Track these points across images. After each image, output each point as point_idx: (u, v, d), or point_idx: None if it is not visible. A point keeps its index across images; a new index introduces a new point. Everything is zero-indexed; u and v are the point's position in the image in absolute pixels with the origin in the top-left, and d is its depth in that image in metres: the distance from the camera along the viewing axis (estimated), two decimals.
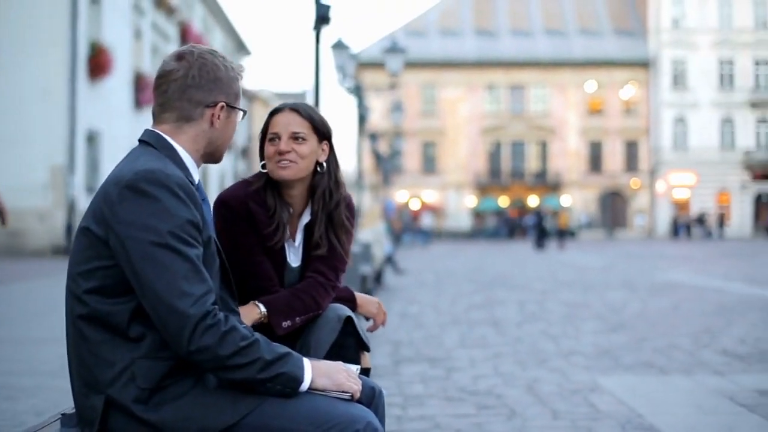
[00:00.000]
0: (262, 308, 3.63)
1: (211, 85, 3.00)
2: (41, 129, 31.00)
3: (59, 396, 7.40)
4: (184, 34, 46.73)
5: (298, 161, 3.67)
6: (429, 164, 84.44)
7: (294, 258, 3.78)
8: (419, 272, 27.56)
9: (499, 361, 9.55)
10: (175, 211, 2.76)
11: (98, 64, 33.46)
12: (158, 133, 3.00)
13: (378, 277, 20.13)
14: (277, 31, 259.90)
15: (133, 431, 2.79)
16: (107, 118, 34.93)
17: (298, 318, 3.65)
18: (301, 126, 3.71)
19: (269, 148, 3.72)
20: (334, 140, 3.83)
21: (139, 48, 40.51)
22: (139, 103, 39.14)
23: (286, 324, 3.63)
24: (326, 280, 3.76)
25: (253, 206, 3.69)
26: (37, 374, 8.68)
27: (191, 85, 2.98)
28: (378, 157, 53.53)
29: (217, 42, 55.26)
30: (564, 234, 55.28)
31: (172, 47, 44.78)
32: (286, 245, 3.75)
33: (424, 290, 20.10)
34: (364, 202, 57.82)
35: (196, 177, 3.03)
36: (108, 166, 34.27)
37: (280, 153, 3.67)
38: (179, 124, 3.00)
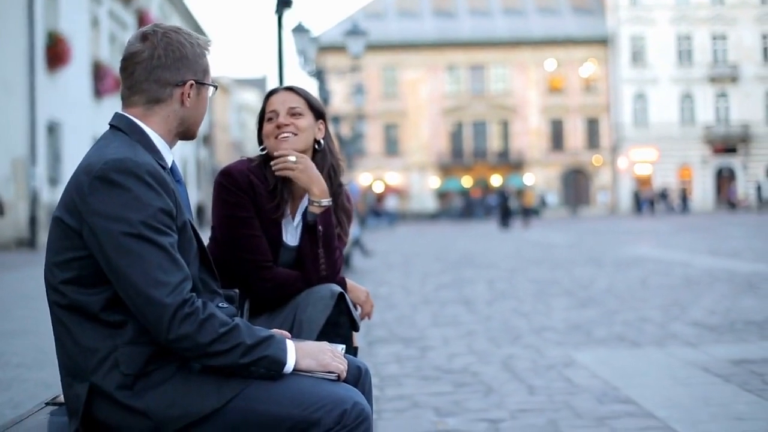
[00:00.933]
0: (329, 201, 3.73)
1: (178, 64, 2.96)
2: (1, 121, 30.74)
3: (35, 388, 7.37)
4: (142, 22, 46.43)
5: (297, 133, 3.72)
6: (391, 146, 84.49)
7: (291, 238, 3.79)
8: (386, 254, 27.60)
9: (472, 339, 9.57)
10: (146, 200, 2.72)
11: (56, 53, 33.21)
12: (128, 117, 2.96)
13: (346, 261, 20.12)
14: (235, 17, 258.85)
15: (118, 418, 2.76)
16: (67, 108, 34.67)
17: (321, 246, 3.70)
18: (297, 102, 3.79)
19: (268, 127, 3.79)
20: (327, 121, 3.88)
21: (96, 37, 40.22)
22: (98, 92, 38.87)
23: (320, 228, 3.71)
24: (341, 261, 3.85)
25: (254, 180, 3.72)
26: (9, 366, 8.61)
27: (158, 65, 2.94)
28: (340, 141, 53.48)
29: None
30: (528, 212, 55.45)
31: (130, 35, 44.53)
32: (283, 223, 3.76)
33: (392, 271, 20.13)
34: None
35: (169, 159, 3.00)
36: (70, 157, 34.12)
37: (279, 126, 3.73)
38: (149, 106, 2.96)
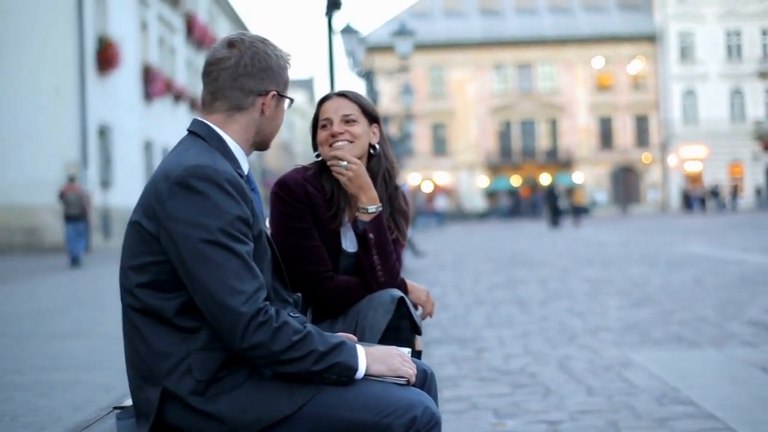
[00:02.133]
0: (379, 207, 3.70)
1: (262, 74, 2.98)
2: (53, 125, 31.10)
3: (94, 390, 7.43)
4: (190, 25, 46.75)
5: (352, 141, 3.70)
6: (440, 146, 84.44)
7: (350, 244, 3.77)
8: (438, 254, 27.58)
9: (528, 340, 9.53)
10: (225, 207, 2.74)
11: (106, 58, 33.54)
12: (208, 124, 2.98)
13: None
14: (281, 19, 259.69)
15: (190, 423, 2.79)
16: (117, 111, 35.00)
17: (375, 253, 3.68)
18: (351, 109, 3.74)
19: (322, 134, 3.74)
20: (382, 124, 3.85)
21: (145, 40, 40.55)
22: (148, 95, 39.21)
23: (371, 236, 3.67)
24: (400, 264, 3.83)
25: (311, 189, 3.69)
26: (68, 369, 8.69)
27: (243, 73, 2.96)
28: (389, 141, 53.35)
29: (222, 31, 55.21)
30: (579, 211, 55.17)
31: (179, 39, 44.87)
32: (341, 231, 3.75)
33: (444, 272, 20.10)
34: None
35: (246, 167, 3.02)
36: (120, 159, 34.46)
37: (333, 135, 3.70)
38: (231, 113, 2.98)
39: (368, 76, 29.69)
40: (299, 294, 3.38)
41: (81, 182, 30.94)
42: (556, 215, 48.35)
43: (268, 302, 2.76)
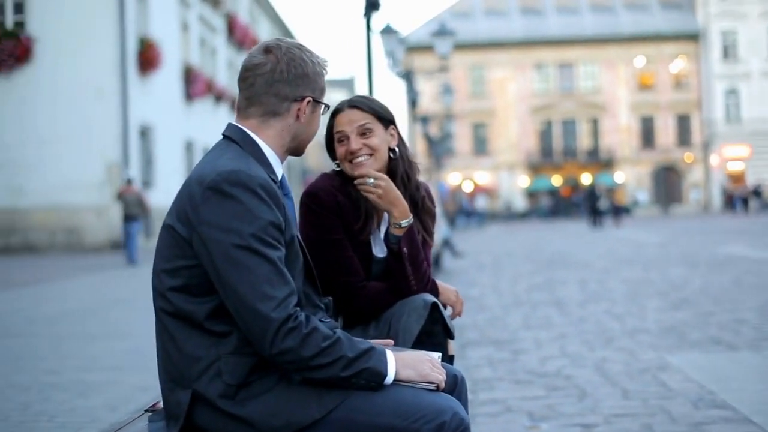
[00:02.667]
0: (411, 219, 3.65)
1: (298, 80, 3.00)
2: (95, 126, 31.33)
3: (131, 391, 7.48)
4: (231, 26, 46.91)
5: (372, 154, 3.68)
6: (480, 146, 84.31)
7: (379, 249, 3.76)
8: (477, 254, 27.52)
9: (565, 342, 9.50)
10: (257, 213, 2.76)
11: (147, 58, 33.75)
12: (243, 129, 3.00)
13: (436, 261, 20.11)
14: (322, 19, 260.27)
15: (220, 426, 2.81)
16: (158, 112, 35.20)
17: (409, 264, 3.64)
18: (365, 119, 3.69)
19: (340, 150, 3.70)
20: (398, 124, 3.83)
21: (186, 41, 40.73)
22: (189, 96, 39.39)
23: (404, 249, 3.63)
24: (430, 268, 3.80)
25: (341, 199, 3.67)
26: (105, 369, 8.75)
27: (279, 79, 2.98)
28: (429, 141, 53.46)
29: (263, 31, 55.40)
30: (619, 211, 54.89)
31: (220, 39, 45.04)
32: (371, 237, 3.74)
33: (483, 272, 20.07)
34: None
35: (280, 173, 3.03)
36: (161, 160, 34.65)
37: (352, 152, 3.66)
38: (265, 118, 3.00)
39: (408, 76, 29.69)
40: (330, 298, 3.39)
41: (122, 182, 31.20)
42: (596, 215, 48.16)
43: (298, 308, 2.78)
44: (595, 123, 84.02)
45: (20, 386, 7.93)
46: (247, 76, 3.02)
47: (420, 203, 3.82)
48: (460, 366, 8.21)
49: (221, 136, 3.05)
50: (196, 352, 2.83)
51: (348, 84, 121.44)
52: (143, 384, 7.63)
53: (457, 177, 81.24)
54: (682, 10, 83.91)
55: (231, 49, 47.90)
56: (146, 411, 3.31)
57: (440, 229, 22.64)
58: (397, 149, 3.76)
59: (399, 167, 3.77)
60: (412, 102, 32.82)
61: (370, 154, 3.67)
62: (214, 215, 2.76)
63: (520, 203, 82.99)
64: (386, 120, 3.75)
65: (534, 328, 10.70)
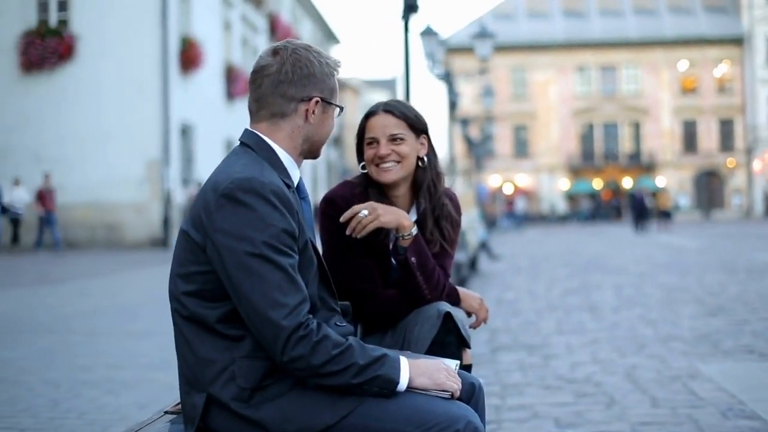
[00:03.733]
0: (415, 230, 3.61)
1: (304, 81, 3.00)
2: (136, 124, 31.55)
3: (160, 389, 7.52)
4: (274, 26, 47.04)
5: (399, 161, 3.68)
6: (521, 148, 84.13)
7: None
8: (514, 257, 27.46)
9: (596, 348, 9.47)
10: (270, 220, 2.77)
11: (189, 57, 33.94)
12: (257, 134, 3.02)
13: (473, 264, 20.09)
14: (365, 19, 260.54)
15: (235, 429, 2.82)
16: (200, 110, 35.37)
17: (420, 274, 3.63)
18: (397, 127, 3.69)
19: (368, 152, 3.71)
20: (430, 132, 3.82)
21: (228, 40, 40.88)
22: (230, 95, 39.54)
23: (413, 260, 3.60)
24: (445, 276, 3.77)
25: None
26: (137, 367, 8.80)
27: (284, 80, 2.98)
28: (469, 142, 53.37)
29: (306, 32, 55.51)
30: (665, 215, 54.48)
31: (262, 39, 45.17)
32: (390, 244, 3.74)
33: (519, 276, 20.02)
34: (456, 188, 57.70)
35: (296, 177, 3.05)
36: (202, 158, 34.79)
37: (381, 157, 3.67)
38: (274, 120, 3.01)
39: (448, 78, 29.66)
40: (348, 303, 3.39)
41: (164, 181, 31.36)
42: (641, 219, 47.75)
43: (310, 315, 2.79)
44: (636, 126, 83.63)
45: (52, 382, 7.99)
46: (255, 78, 3.04)
47: (441, 212, 3.81)
48: (490, 370, 8.23)
49: (238, 142, 3.07)
50: (210, 355, 2.84)
51: (390, 84, 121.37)
52: (175, 382, 7.61)
53: (498, 179, 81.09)
54: (727, 14, 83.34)
55: None
56: (167, 412, 3.34)
57: (477, 232, 22.61)
58: (425, 159, 3.76)
59: (426, 177, 3.77)
60: (452, 104, 32.76)
61: (398, 161, 3.67)
62: (228, 223, 2.77)
63: (560, 206, 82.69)
64: (418, 129, 3.74)
65: (566, 333, 10.66)
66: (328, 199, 3.72)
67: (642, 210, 48.11)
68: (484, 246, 25.01)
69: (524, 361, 8.81)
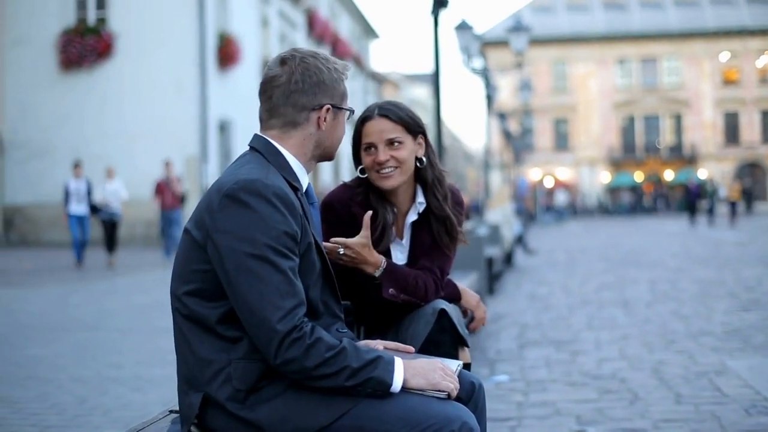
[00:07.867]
0: (383, 267, 3.63)
1: (315, 89, 3.02)
2: (174, 120, 31.67)
3: None
4: (311, 21, 47.09)
5: (398, 166, 3.68)
6: (561, 141, 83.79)
7: (401, 256, 3.78)
8: (551, 251, 27.34)
9: (625, 343, 9.42)
10: (271, 222, 2.78)
11: (227, 53, 34.03)
12: (266, 139, 3.04)
13: (508, 259, 20.04)
14: (404, 13, 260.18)
15: (231, 429, 2.84)
16: (237, 106, 35.43)
17: (403, 295, 3.65)
18: (394, 131, 3.69)
19: (367, 158, 3.72)
20: (427, 132, 3.82)
21: (266, 36, 40.96)
22: None
23: (391, 292, 3.63)
24: (436, 277, 3.76)
25: (357, 210, 3.69)
26: (165, 364, 8.80)
27: (295, 90, 3.00)
28: (508, 136, 53.21)
29: (344, 27, 55.52)
30: (732, 207, 52.15)
31: (300, 35, 45.23)
32: (391, 246, 3.76)
33: (554, 270, 19.94)
34: (493, 181, 57.61)
35: (305, 182, 3.07)
36: (240, 154, 34.83)
37: (380, 164, 3.67)
38: (286, 129, 3.03)
39: (484, 72, 29.57)
40: (349, 302, 3.40)
41: (203, 177, 31.48)
42: (695, 213, 46.69)
43: (306, 318, 2.79)
44: (678, 119, 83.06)
45: (81, 379, 8.06)
46: (265, 89, 3.06)
47: (443, 212, 3.80)
48: (516, 367, 8.22)
49: (248, 147, 3.09)
50: (208, 355, 2.86)
51: (430, 79, 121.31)
52: None
53: (538, 172, 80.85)
54: None
55: (311, 45, 48.07)
56: (171, 411, 3.37)
57: (512, 226, 22.55)
58: (424, 158, 3.77)
59: (429, 174, 3.78)
60: (488, 98, 32.66)
61: (397, 167, 3.68)
62: (229, 223, 2.79)
63: (601, 199, 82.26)
64: (415, 130, 3.75)
65: (596, 329, 10.61)
66: (326, 203, 3.75)
67: (695, 203, 47.06)
68: (520, 240, 24.95)
69: (551, 357, 8.79)
